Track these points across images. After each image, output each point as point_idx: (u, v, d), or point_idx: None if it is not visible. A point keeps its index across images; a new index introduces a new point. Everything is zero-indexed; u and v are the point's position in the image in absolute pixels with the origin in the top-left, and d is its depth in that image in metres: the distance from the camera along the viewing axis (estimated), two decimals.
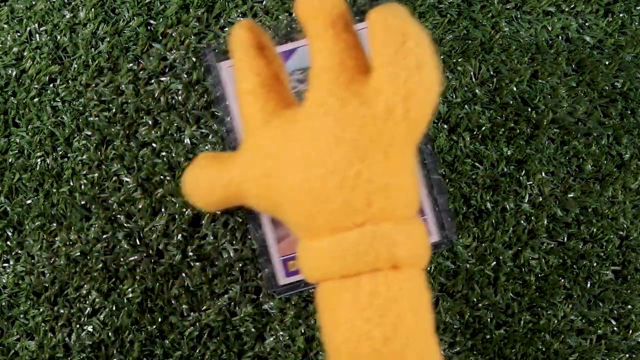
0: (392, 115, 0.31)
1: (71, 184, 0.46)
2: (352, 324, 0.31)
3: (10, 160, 0.46)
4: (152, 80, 0.46)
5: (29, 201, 0.46)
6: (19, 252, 0.46)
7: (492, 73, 0.47)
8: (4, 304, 0.46)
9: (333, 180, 0.32)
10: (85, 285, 0.46)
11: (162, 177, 0.46)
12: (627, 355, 0.46)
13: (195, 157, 0.39)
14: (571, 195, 0.46)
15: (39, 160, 0.46)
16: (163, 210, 0.46)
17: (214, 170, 0.37)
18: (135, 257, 0.46)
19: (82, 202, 0.46)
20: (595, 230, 0.46)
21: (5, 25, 0.47)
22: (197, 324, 0.45)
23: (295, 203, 0.33)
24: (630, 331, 0.46)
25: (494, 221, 0.46)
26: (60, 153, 0.46)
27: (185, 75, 0.46)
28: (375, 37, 0.30)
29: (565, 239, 0.46)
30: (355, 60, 0.33)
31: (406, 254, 0.32)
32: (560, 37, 0.46)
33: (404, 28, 0.30)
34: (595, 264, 0.46)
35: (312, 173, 0.32)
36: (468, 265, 0.46)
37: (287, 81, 0.37)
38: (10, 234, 0.46)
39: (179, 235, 0.45)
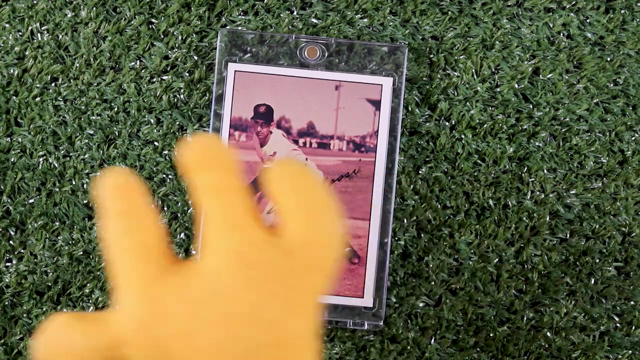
0: (313, 269, 0.30)
1: (74, 183, 0.46)
2: None
3: (12, 160, 0.46)
4: (154, 79, 0.46)
5: (31, 200, 0.46)
6: (22, 251, 0.46)
7: (493, 70, 0.47)
8: (7, 303, 0.46)
9: (259, 338, 0.30)
10: (88, 285, 0.46)
11: (164, 175, 0.46)
12: (630, 352, 0.46)
13: (48, 319, 0.32)
14: (573, 192, 0.46)
15: (41, 159, 0.46)
16: (166, 208, 0.46)
17: (84, 332, 0.31)
18: None
19: (85, 201, 0.46)
20: (597, 226, 0.46)
21: (7, 25, 0.47)
22: None
23: None
24: (633, 327, 0.46)
25: (496, 218, 0.46)
26: (62, 152, 0.46)
27: (187, 74, 0.46)
28: (285, 193, 0.31)
29: (568, 236, 0.46)
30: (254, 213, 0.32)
31: None
32: (561, 34, 0.47)
33: (311, 183, 0.31)
34: (597, 261, 0.46)
35: (234, 330, 0.30)
36: (470, 263, 0.46)
37: (165, 239, 0.34)
38: (12, 233, 0.46)
39: (182, 234, 0.46)
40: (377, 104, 0.45)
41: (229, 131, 0.45)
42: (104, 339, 0.31)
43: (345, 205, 0.45)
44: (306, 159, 0.46)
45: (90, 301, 0.46)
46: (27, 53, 0.47)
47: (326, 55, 0.45)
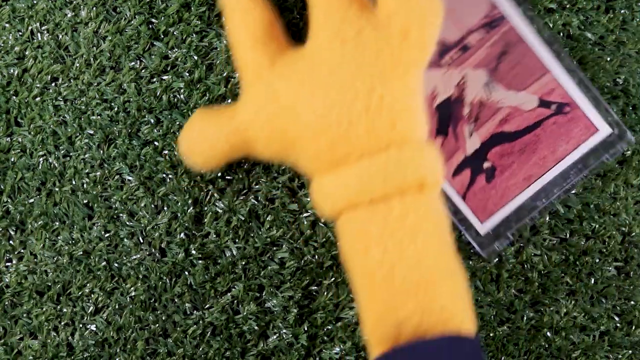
0: (407, 38, 0.33)
1: (74, 182, 0.46)
2: (385, 246, 0.32)
3: (12, 160, 0.46)
4: (154, 79, 0.46)
5: (31, 200, 0.46)
6: (22, 251, 0.46)
7: None
8: (7, 303, 0.46)
9: (358, 106, 0.32)
10: (88, 284, 0.46)
11: (164, 175, 0.46)
12: (630, 352, 0.46)
13: (192, 115, 0.39)
14: (573, 192, 0.46)
15: (41, 159, 0.46)
16: (166, 208, 0.46)
17: (215, 122, 0.37)
18: (138, 256, 0.46)
19: (85, 201, 0.46)
20: (597, 226, 0.46)
21: (7, 25, 0.47)
22: (201, 322, 0.45)
23: (314, 136, 0.33)
24: (633, 327, 0.46)
25: None
26: (62, 152, 0.46)
27: (187, 74, 0.46)
28: None
29: (568, 236, 0.46)
30: None
31: (431, 174, 0.33)
32: (562, 34, 0.47)
33: None
34: (597, 260, 0.46)
35: (334, 101, 0.32)
36: (470, 262, 0.46)
37: (281, 25, 0.38)
38: (13, 233, 0.46)
39: (182, 234, 0.46)
40: None
41: None
42: (231, 126, 0.36)
43: (522, 73, 0.44)
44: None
45: (90, 301, 0.46)
46: (27, 53, 0.46)
47: None
